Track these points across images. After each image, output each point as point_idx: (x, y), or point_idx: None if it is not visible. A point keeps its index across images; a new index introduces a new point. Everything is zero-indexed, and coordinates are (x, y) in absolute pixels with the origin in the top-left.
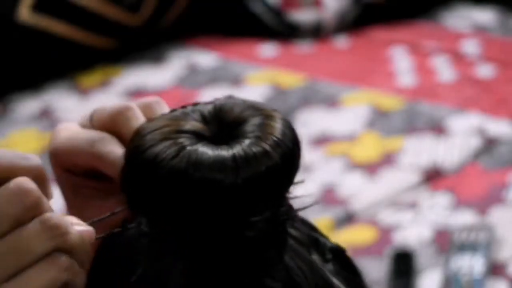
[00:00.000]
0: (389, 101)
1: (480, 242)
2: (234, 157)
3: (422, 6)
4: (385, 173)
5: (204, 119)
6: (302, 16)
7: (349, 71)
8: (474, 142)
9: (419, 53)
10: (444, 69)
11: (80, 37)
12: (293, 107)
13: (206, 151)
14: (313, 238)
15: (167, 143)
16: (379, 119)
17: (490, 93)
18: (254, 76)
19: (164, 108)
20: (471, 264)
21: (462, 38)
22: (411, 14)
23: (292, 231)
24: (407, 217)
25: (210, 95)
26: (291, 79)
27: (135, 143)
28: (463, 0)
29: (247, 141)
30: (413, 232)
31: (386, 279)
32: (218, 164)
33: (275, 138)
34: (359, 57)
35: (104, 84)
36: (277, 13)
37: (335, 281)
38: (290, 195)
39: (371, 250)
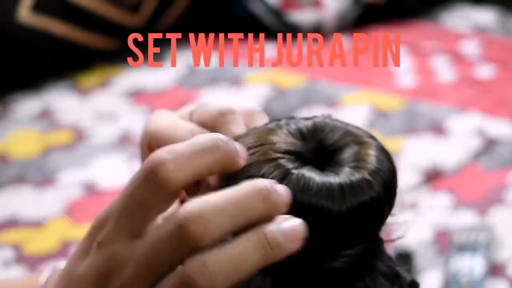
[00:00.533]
0: (389, 102)
1: (480, 243)
2: (341, 185)
3: (422, 6)
4: None
5: (301, 136)
6: (302, 16)
7: (349, 71)
8: (474, 143)
9: (419, 54)
10: (444, 70)
11: (80, 38)
12: (293, 108)
13: (314, 176)
14: (395, 272)
15: (270, 164)
16: (379, 120)
17: (490, 94)
18: (254, 77)
19: (265, 120)
20: (471, 265)
21: (462, 39)
22: (411, 15)
23: (379, 264)
24: (407, 217)
25: (210, 95)
26: (291, 80)
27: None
28: (463, 0)
29: (347, 170)
30: (413, 232)
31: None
32: (326, 191)
33: (373, 168)
34: (359, 58)
35: (104, 84)
36: (277, 13)
37: None
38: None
39: None
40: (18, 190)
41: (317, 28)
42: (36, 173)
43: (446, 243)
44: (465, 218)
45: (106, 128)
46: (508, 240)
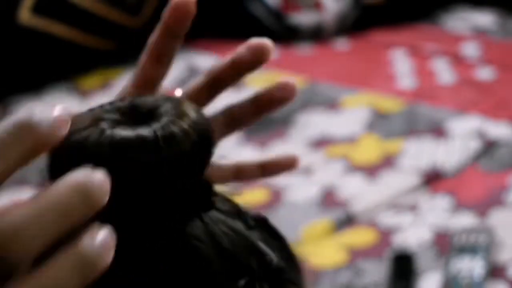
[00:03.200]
0: (389, 104)
1: (480, 245)
2: (155, 136)
3: (422, 8)
4: (385, 175)
5: (120, 111)
6: (302, 18)
7: (349, 73)
8: (474, 145)
9: (419, 56)
10: (444, 72)
11: (80, 39)
12: (293, 110)
13: (126, 132)
14: (236, 208)
15: (90, 129)
16: (379, 121)
17: (490, 96)
18: (254, 79)
19: None
20: (471, 267)
21: (462, 41)
22: (411, 17)
23: (215, 200)
24: (407, 219)
25: None
26: None
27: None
28: (463, 2)
29: (165, 120)
30: (413, 234)
31: (386, 282)
32: (139, 143)
33: (191, 118)
34: (359, 60)
35: (104, 86)
36: (278, 15)
37: (261, 244)
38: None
39: (371, 252)
40: (18, 192)
41: (317, 30)
42: (37, 176)
43: (446, 245)
44: (465, 220)
45: None
46: (508, 242)
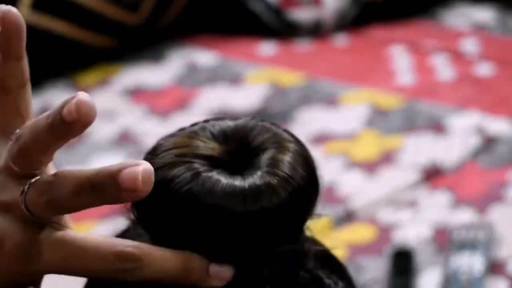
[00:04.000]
0: (389, 100)
1: (479, 241)
2: (244, 188)
3: (421, 5)
4: (385, 171)
5: (224, 137)
6: (302, 14)
7: (349, 69)
8: (474, 141)
9: (418, 52)
10: (443, 68)
11: (79, 36)
12: (293, 106)
13: (220, 179)
14: (318, 278)
15: (182, 167)
16: (378, 118)
17: (490, 92)
18: (254, 75)
19: None
20: (470, 263)
21: (461, 37)
22: (410, 13)
23: (306, 267)
24: (407, 215)
25: (210, 94)
26: (290, 78)
27: (151, 160)
28: None
29: (258, 174)
30: (413, 230)
31: (385, 278)
32: (229, 192)
33: (284, 174)
34: (358, 56)
35: (103, 83)
36: (277, 11)
37: None
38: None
39: (370, 248)
40: None
41: (317, 26)
42: None
43: (445, 241)
44: (465, 216)
45: (105, 127)
46: (507, 237)
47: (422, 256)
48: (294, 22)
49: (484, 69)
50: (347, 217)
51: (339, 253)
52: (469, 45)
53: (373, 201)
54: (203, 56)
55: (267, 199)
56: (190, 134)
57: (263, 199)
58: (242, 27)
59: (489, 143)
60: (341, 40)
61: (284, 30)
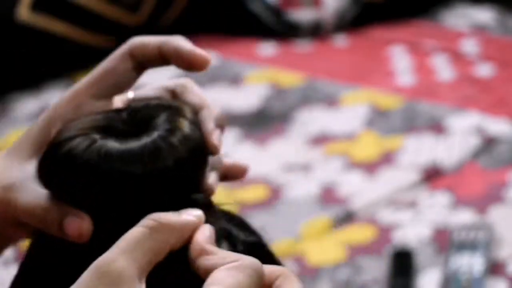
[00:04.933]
0: (388, 100)
1: (479, 241)
2: (142, 150)
3: (421, 5)
4: (385, 172)
5: (118, 119)
6: (302, 15)
7: (348, 70)
8: (473, 141)
9: (418, 52)
10: (443, 68)
11: (79, 37)
12: (293, 106)
13: (115, 144)
14: (226, 231)
15: (81, 138)
16: (378, 118)
17: (489, 92)
18: (254, 75)
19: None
20: (470, 263)
21: (461, 37)
22: (410, 13)
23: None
24: (407, 216)
25: (210, 94)
26: (290, 78)
27: (54, 138)
28: None
29: (155, 134)
30: (413, 231)
31: (385, 278)
32: (126, 156)
33: (183, 132)
34: (358, 56)
35: None
36: (277, 12)
37: None
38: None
39: (370, 249)
40: None
41: (316, 27)
42: None
43: (445, 241)
44: (465, 217)
45: None
46: (507, 238)
47: (422, 257)
48: (294, 22)
49: (484, 70)
50: (347, 218)
51: (339, 253)
52: (469, 46)
53: (373, 201)
54: None
55: (166, 157)
56: (93, 116)
57: (162, 158)
58: (242, 28)
59: (489, 143)
60: (341, 41)
61: (284, 30)
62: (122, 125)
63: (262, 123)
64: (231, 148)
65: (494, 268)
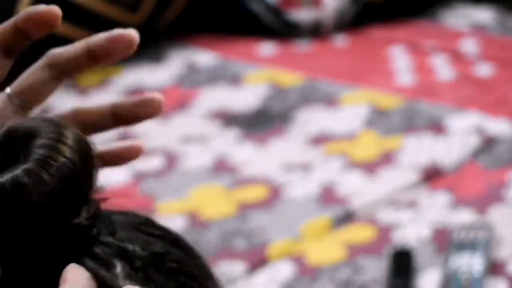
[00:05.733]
0: (388, 100)
1: (479, 241)
2: (3, 184)
3: (421, 5)
4: (384, 172)
5: None
6: (301, 15)
7: (348, 70)
8: (473, 141)
9: (418, 52)
10: (443, 68)
11: (78, 36)
12: (292, 106)
13: None
14: (121, 248)
15: None
16: (378, 118)
17: (489, 92)
18: (253, 75)
19: None
20: (470, 263)
21: (461, 37)
22: (410, 13)
23: (95, 249)
24: (406, 216)
25: (209, 94)
26: (290, 78)
27: None
28: None
29: (22, 167)
30: (412, 231)
31: (385, 278)
32: None
33: (54, 163)
34: (358, 56)
35: (103, 83)
36: (276, 12)
37: None
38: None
39: (370, 249)
40: None
41: (316, 27)
42: None
43: (445, 241)
44: (464, 216)
45: None
46: (507, 238)
47: (422, 256)
48: (294, 22)
49: (484, 70)
50: (347, 217)
51: (338, 253)
52: (469, 46)
53: (372, 201)
54: (203, 56)
55: (31, 190)
56: None
57: (27, 192)
58: (242, 28)
59: (489, 143)
60: (340, 40)
61: (283, 30)
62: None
63: (262, 123)
64: (231, 147)
65: (494, 268)
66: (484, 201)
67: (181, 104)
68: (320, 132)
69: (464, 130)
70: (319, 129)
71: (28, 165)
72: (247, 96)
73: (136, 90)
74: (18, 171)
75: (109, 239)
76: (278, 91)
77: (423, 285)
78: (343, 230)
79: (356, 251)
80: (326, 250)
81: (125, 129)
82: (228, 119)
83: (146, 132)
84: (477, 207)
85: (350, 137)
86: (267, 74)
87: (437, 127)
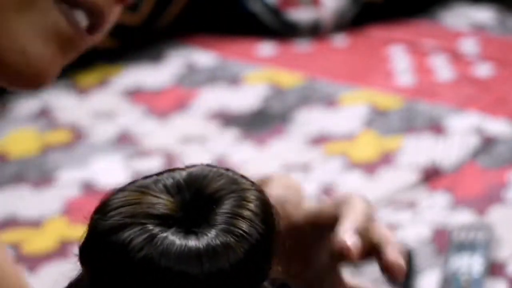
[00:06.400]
0: (388, 100)
1: (479, 242)
2: (198, 250)
3: (420, 5)
4: (384, 172)
5: (178, 189)
6: (301, 15)
7: (348, 70)
8: (473, 141)
9: (417, 52)
10: (442, 68)
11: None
12: (292, 106)
13: (175, 240)
14: None
15: (135, 229)
16: (377, 118)
17: (489, 92)
18: (253, 75)
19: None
20: (470, 264)
21: (460, 37)
22: (410, 13)
23: None
24: (406, 216)
25: (209, 94)
26: (289, 78)
27: (100, 220)
28: None
29: (213, 233)
30: (412, 231)
31: (384, 279)
32: (184, 255)
33: (241, 232)
34: (357, 56)
35: (103, 83)
36: (276, 12)
37: None
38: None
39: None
40: (16, 189)
41: (315, 27)
42: (35, 172)
43: (444, 242)
44: (464, 217)
45: (104, 127)
46: (507, 238)
47: (422, 257)
48: (293, 22)
49: (484, 69)
50: None
51: None
52: (469, 45)
53: (372, 201)
54: (202, 56)
55: (223, 259)
56: (141, 189)
57: (219, 260)
58: (241, 28)
59: (488, 143)
60: (340, 40)
61: (283, 30)
62: (180, 212)
63: (261, 123)
64: (230, 148)
65: (494, 269)
66: (483, 201)
67: (181, 104)
68: (320, 132)
69: (463, 130)
70: (318, 129)
71: (218, 231)
72: (246, 96)
73: (136, 91)
74: (211, 236)
75: None
76: (277, 91)
77: (423, 286)
78: None
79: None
80: None
81: (124, 129)
82: (228, 119)
83: (146, 132)
84: (477, 207)
85: (349, 137)
86: (267, 74)
87: (436, 128)
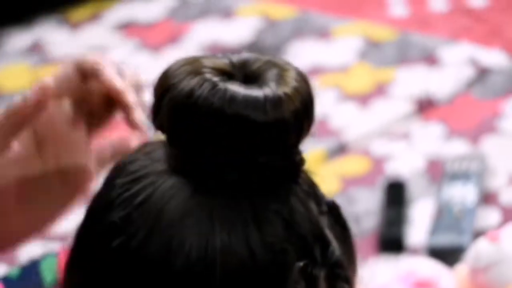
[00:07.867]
0: (381, 32)
1: (472, 171)
2: (265, 97)
3: None
4: (378, 103)
5: (229, 61)
6: None
7: (341, 1)
8: (467, 72)
9: None
10: None
11: None
12: (285, 39)
13: (239, 89)
14: (313, 189)
15: (198, 77)
16: (371, 50)
17: (483, 23)
18: (245, 8)
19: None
20: (463, 193)
21: None
22: None
23: (299, 180)
24: (400, 147)
25: (201, 27)
26: (282, 11)
27: (166, 79)
28: None
29: (273, 85)
30: (406, 162)
31: (378, 209)
32: (251, 103)
33: (294, 85)
34: None
35: (95, 17)
36: None
37: (328, 233)
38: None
39: (363, 180)
40: None
41: None
42: None
43: (438, 172)
44: (458, 147)
45: None
46: (500, 168)
47: (415, 187)
48: None
49: (477, 0)
50: (340, 149)
51: (332, 184)
52: None
53: (366, 133)
54: None
55: (284, 107)
56: (196, 57)
57: (281, 108)
58: None
59: (482, 74)
60: None
61: None
62: (236, 72)
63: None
64: None
65: (487, 198)
66: (477, 131)
67: (173, 38)
68: (313, 64)
69: (457, 61)
70: (311, 62)
71: (277, 85)
72: (239, 29)
73: (128, 25)
74: (273, 87)
75: (305, 179)
76: (270, 24)
77: (416, 216)
78: (336, 162)
79: (349, 182)
80: (320, 182)
81: (116, 64)
82: (220, 52)
83: (138, 66)
84: (470, 137)
85: (343, 69)
86: (259, 7)
87: (430, 59)
